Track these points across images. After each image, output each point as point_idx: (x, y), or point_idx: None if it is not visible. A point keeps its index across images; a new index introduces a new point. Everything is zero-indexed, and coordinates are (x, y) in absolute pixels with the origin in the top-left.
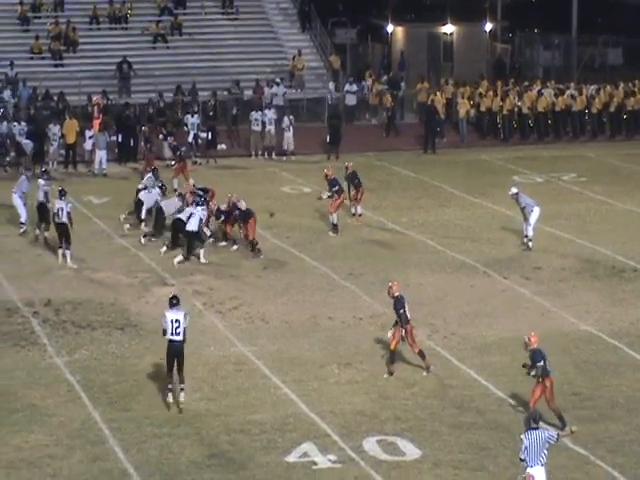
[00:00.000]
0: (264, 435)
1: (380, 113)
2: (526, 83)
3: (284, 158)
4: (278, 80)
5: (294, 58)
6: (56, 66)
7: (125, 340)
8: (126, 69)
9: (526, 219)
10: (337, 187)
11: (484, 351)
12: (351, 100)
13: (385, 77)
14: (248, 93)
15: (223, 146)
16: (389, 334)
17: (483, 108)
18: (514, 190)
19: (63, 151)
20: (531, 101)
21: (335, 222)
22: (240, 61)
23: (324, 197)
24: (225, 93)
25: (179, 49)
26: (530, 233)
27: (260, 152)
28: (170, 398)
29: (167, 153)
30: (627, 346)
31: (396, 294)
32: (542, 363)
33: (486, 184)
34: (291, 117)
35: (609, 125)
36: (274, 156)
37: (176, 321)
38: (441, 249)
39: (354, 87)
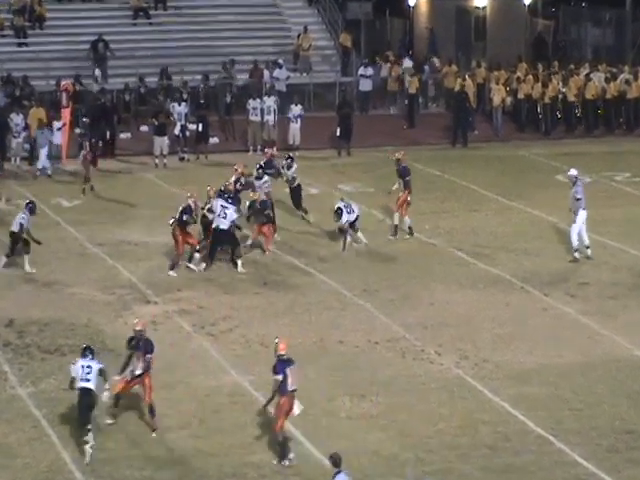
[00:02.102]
0: None
1: (400, 101)
2: (572, 66)
3: (293, 153)
4: (280, 62)
5: (299, 36)
6: (19, 45)
7: None
8: (102, 49)
9: (575, 221)
10: (409, 178)
11: (521, 381)
12: (366, 85)
13: (406, 59)
14: (244, 77)
15: (215, 139)
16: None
17: (521, 95)
18: (575, 172)
19: (28, 145)
20: (578, 87)
21: (396, 223)
22: (235, 40)
23: (393, 189)
24: (218, 76)
25: (164, 26)
26: (587, 239)
27: (259, 146)
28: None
29: (158, 149)
30: None
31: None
32: (280, 377)
33: (524, 185)
34: (299, 106)
35: None
36: (275, 151)
37: (88, 367)
38: (471, 261)
39: (369, 70)
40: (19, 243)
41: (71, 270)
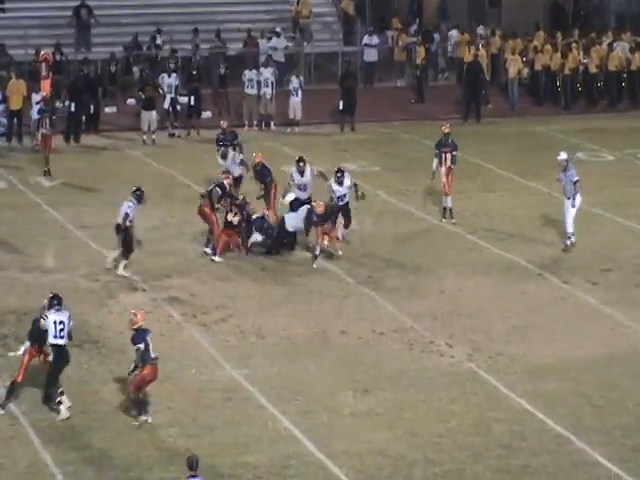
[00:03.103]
0: None
1: (408, 72)
2: (593, 35)
3: (288, 129)
4: (278, 30)
5: (298, 2)
6: None
7: (84, 360)
8: (85, 16)
9: (574, 205)
10: (455, 153)
11: (538, 376)
12: (371, 56)
13: (415, 27)
14: (238, 47)
15: (208, 113)
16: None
17: (539, 67)
18: (565, 155)
19: (5, 119)
20: (600, 58)
21: (449, 205)
22: (229, 6)
23: (434, 169)
24: (210, 46)
25: None
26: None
27: (255, 121)
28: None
29: (146, 125)
30: None
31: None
32: (142, 346)
33: (542, 163)
34: (300, 78)
35: None
36: (273, 126)
37: (60, 322)
38: (485, 245)
39: (374, 39)
40: (125, 237)
41: (52, 255)
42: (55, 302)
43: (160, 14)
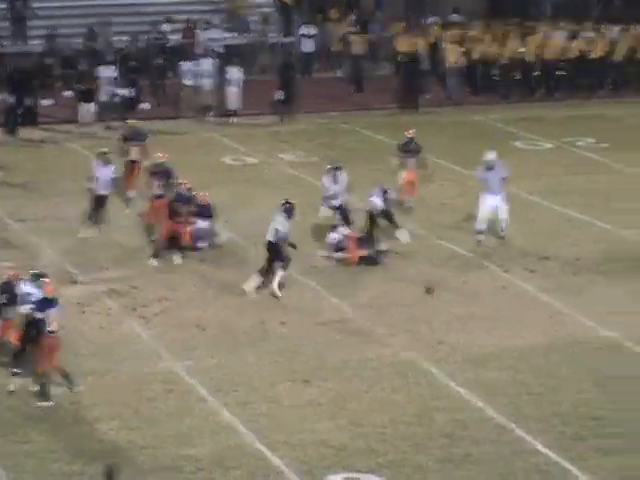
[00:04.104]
0: (200, 473)
1: (346, 62)
2: (531, 24)
3: (230, 120)
4: (213, 22)
5: None
6: None
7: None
8: (21, 7)
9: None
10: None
11: (479, 364)
12: (308, 46)
13: (353, 16)
14: (176, 38)
15: (146, 105)
16: None
17: (476, 56)
18: (493, 155)
19: None
20: (537, 46)
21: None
22: None
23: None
24: (148, 37)
25: None
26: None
27: (193, 113)
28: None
29: (84, 117)
30: None
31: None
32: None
33: (480, 152)
34: (239, 69)
35: (637, 76)
36: (212, 117)
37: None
38: (424, 235)
39: (312, 30)
40: (277, 254)
41: None
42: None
43: (98, 5)
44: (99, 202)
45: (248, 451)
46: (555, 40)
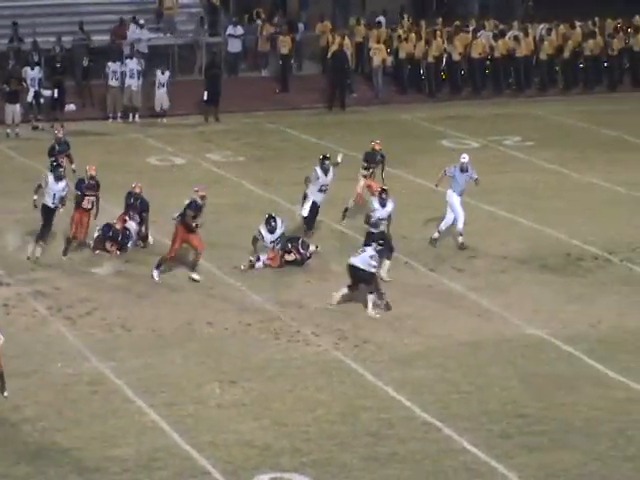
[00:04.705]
0: (126, 474)
1: (272, 62)
2: (457, 22)
3: (159, 121)
4: (141, 22)
5: None
6: None
7: None
8: None
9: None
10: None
11: (406, 363)
12: (235, 46)
13: (279, 16)
14: (101, 38)
15: (72, 106)
16: None
17: (403, 55)
18: (467, 158)
19: None
20: (464, 45)
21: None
22: None
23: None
24: (74, 38)
25: None
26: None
27: (120, 114)
28: None
29: (10, 118)
30: (585, 354)
31: None
32: None
33: (407, 151)
34: (166, 69)
35: (562, 75)
36: (137, 119)
37: None
38: (351, 234)
39: (239, 29)
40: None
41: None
42: None
43: (22, 6)
44: (50, 216)
45: (174, 452)
46: (482, 39)
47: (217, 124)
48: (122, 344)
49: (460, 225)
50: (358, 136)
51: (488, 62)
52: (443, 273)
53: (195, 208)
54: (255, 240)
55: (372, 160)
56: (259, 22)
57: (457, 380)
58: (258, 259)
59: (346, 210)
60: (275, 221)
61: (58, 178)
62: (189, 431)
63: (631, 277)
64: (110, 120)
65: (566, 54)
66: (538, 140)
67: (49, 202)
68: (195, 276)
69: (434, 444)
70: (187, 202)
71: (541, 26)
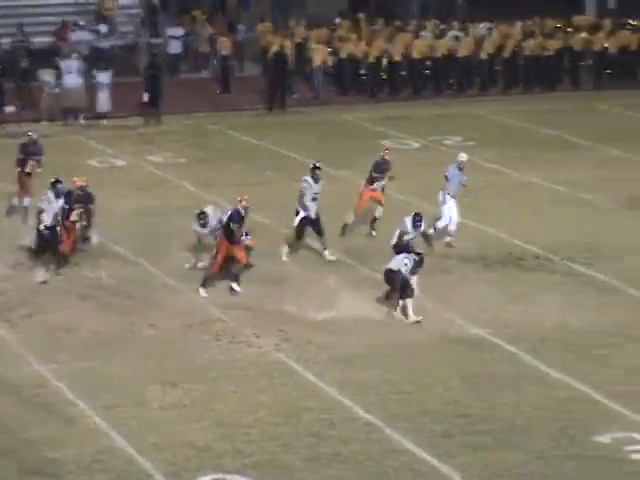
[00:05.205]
0: (69, 477)
1: (213, 63)
2: (398, 23)
3: (101, 122)
4: (81, 23)
5: None
6: None
7: None
8: None
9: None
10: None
11: (348, 364)
12: (175, 47)
13: (219, 17)
14: (41, 40)
15: (12, 108)
16: None
17: (344, 55)
18: (465, 157)
19: None
20: (404, 46)
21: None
22: None
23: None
24: (12, 39)
25: None
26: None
27: (60, 116)
28: None
29: None
30: (528, 353)
31: None
32: None
33: (349, 151)
34: (107, 71)
35: (503, 75)
36: (82, 120)
37: None
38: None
39: (179, 30)
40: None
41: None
42: None
43: None
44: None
45: (117, 454)
46: (422, 39)
47: (158, 126)
48: (64, 347)
49: (452, 227)
50: (299, 137)
51: (429, 62)
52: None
53: (238, 219)
54: (197, 239)
55: (383, 170)
56: (199, 23)
57: (399, 380)
58: (201, 260)
59: (345, 226)
60: (205, 215)
61: (58, 195)
62: (131, 433)
63: (572, 276)
64: (49, 122)
65: (506, 53)
66: (479, 140)
67: (48, 221)
68: (235, 286)
69: (376, 444)
70: (225, 214)
71: (482, 25)
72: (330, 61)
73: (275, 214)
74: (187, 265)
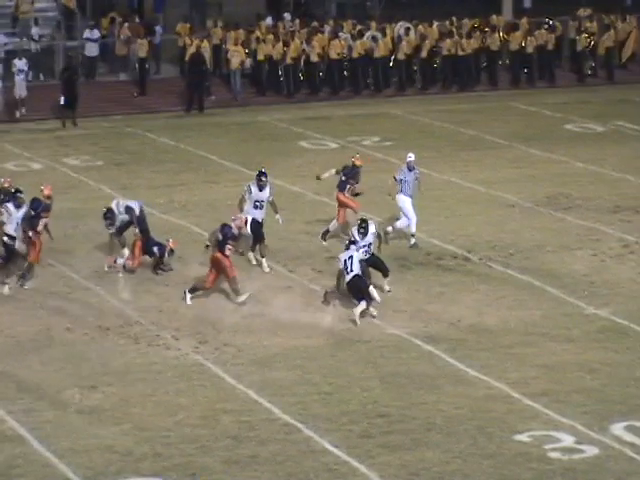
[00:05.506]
0: None
1: (130, 65)
2: (315, 23)
3: (20, 111)
4: None
5: None
6: None
7: None
8: None
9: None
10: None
11: (266, 365)
12: (92, 50)
13: (136, 19)
14: None
15: None
16: None
17: (261, 56)
18: (413, 156)
19: None
20: (322, 46)
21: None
22: None
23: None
24: None
25: None
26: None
27: None
28: None
29: None
30: (446, 353)
31: None
32: None
33: (266, 153)
34: (24, 58)
35: (420, 75)
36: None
37: None
38: (205, 236)
39: (95, 33)
40: None
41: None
42: None
43: None
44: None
45: (33, 459)
46: (340, 40)
47: (75, 128)
48: None
49: (413, 229)
50: (217, 139)
51: (346, 63)
52: (303, 275)
53: (233, 239)
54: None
55: (353, 175)
56: (116, 25)
57: (317, 381)
58: (121, 256)
59: (327, 232)
60: (112, 212)
61: (18, 206)
62: (48, 437)
63: (490, 275)
64: None
65: (424, 53)
66: (397, 140)
67: (11, 231)
68: (240, 299)
69: (295, 445)
70: (219, 232)
71: (400, 24)
72: (248, 62)
73: (192, 216)
74: (106, 267)
